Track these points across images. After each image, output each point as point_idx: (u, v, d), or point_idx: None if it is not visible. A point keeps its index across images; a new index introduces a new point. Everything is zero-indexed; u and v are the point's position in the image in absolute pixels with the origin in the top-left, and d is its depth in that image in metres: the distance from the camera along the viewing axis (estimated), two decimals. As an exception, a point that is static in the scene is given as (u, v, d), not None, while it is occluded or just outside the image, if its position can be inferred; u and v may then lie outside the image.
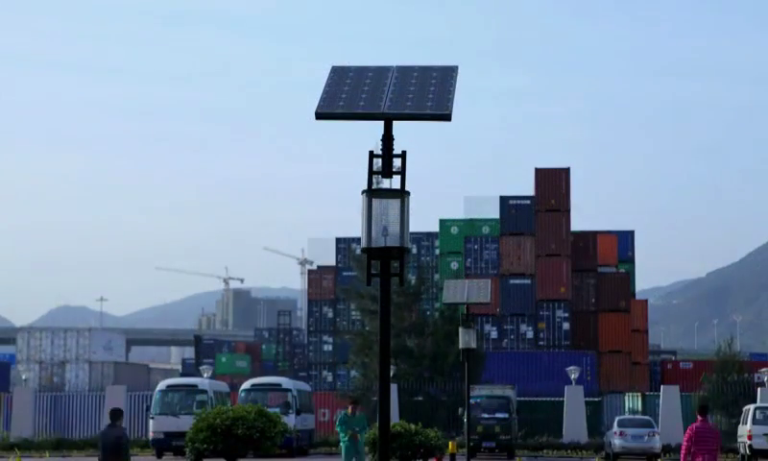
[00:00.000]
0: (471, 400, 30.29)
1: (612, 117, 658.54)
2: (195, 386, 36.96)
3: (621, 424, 35.05)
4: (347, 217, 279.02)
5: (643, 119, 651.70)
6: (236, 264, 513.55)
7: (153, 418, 35.16)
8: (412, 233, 7.19)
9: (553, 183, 55.73)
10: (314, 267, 64.84)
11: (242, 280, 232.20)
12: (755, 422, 32.35)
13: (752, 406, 33.73)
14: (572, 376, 42.02)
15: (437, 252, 58.47)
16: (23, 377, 44.51)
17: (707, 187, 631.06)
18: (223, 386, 40.09)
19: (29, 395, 43.52)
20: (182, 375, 67.93)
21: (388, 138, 7.51)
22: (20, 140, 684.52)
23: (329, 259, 62.23)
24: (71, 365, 66.01)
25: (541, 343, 54.09)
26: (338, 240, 62.59)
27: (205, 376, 42.92)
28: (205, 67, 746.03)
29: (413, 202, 7.43)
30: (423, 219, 59.92)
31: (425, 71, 8.23)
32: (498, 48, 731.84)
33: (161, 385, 37.41)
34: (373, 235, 7.30)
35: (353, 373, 49.97)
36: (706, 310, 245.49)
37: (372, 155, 7.45)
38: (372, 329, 44.58)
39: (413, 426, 22.61)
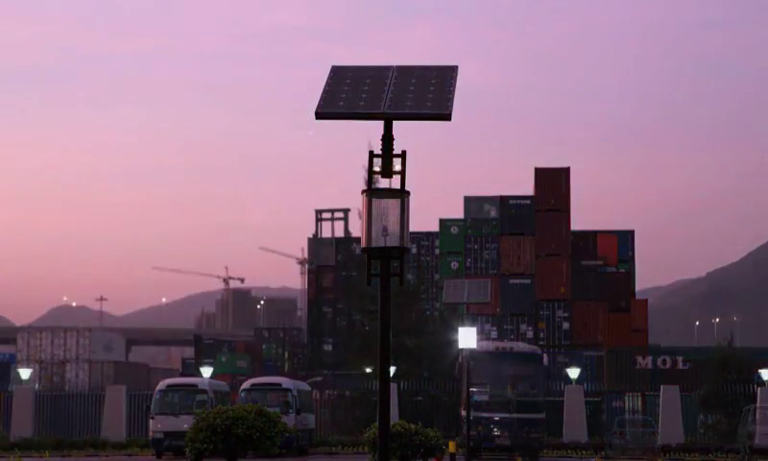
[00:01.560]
0: (471, 400, 30.33)
1: (612, 116, 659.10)
2: (195, 386, 36.99)
3: (621, 424, 35.07)
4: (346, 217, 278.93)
5: (643, 116, 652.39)
6: (236, 264, 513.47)
7: (153, 418, 35.17)
8: (412, 233, 7.18)
9: (553, 183, 55.80)
10: (314, 267, 64.83)
11: (242, 280, 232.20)
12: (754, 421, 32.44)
13: (752, 406, 33.79)
14: (572, 376, 42.07)
15: (437, 252, 58.47)
16: (23, 377, 44.44)
17: (707, 187, 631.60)
18: (223, 386, 40.10)
19: (29, 395, 43.52)
20: (182, 375, 67.92)
21: (388, 138, 7.51)
22: (20, 139, 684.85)
23: (329, 259, 62.23)
24: (71, 365, 65.99)
25: (541, 343, 54.11)
26: (338, 240, 62.58)
27: (206, 375, 42.96)
28: (204, 66, 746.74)
29: (413, 202, 7.43)
30: (423, 219, 60.05)
31: (425, 71, 8.24)
32: (498, 46, 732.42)
33: (161, 385, 37.41)
34: (373, 235, 7.31)
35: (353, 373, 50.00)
36: (706, 310, 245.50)
37: (371, 154, 7.46)
38: (372, 329, 44.61)
39: (413, 426, 22.63)
